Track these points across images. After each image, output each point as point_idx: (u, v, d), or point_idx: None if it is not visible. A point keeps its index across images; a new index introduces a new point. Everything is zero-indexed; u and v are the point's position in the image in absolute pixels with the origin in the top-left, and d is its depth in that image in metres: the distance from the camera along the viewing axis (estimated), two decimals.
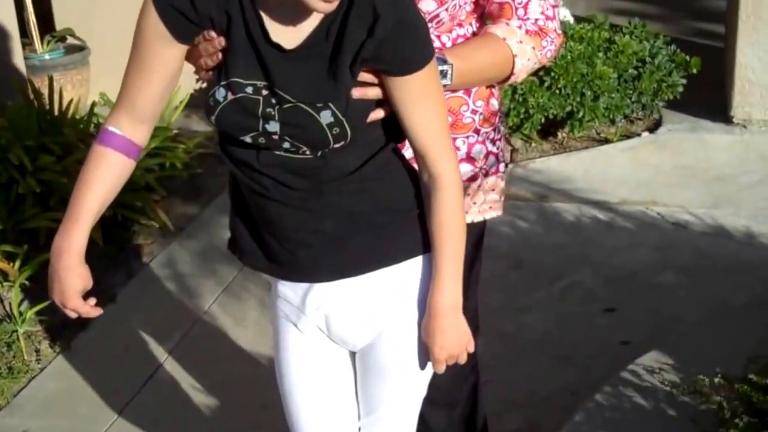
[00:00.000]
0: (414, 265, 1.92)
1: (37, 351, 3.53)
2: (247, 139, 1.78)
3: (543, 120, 4.83)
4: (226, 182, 4.82)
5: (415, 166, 1.89)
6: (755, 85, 4.89)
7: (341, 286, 1.91)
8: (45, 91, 4.45)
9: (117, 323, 3.65)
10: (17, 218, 3.85)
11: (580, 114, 4.80)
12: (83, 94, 5.41)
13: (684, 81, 4.97)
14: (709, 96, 5.22)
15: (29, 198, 3.88)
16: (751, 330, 2.39)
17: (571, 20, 5.34)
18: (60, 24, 5.78)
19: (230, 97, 1.75)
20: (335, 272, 1.90)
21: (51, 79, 4.57)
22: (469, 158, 2.17)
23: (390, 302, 1.93)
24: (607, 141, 5.01)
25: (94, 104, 4.65)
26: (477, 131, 2.17)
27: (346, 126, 1.74)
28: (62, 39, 5.72)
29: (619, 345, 3.36)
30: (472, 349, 1.93)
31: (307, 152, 1.78)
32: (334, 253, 1.88)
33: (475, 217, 2.22)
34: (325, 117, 1.72)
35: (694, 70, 5.01)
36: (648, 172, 4.65)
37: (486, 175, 2.21)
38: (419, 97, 1.77)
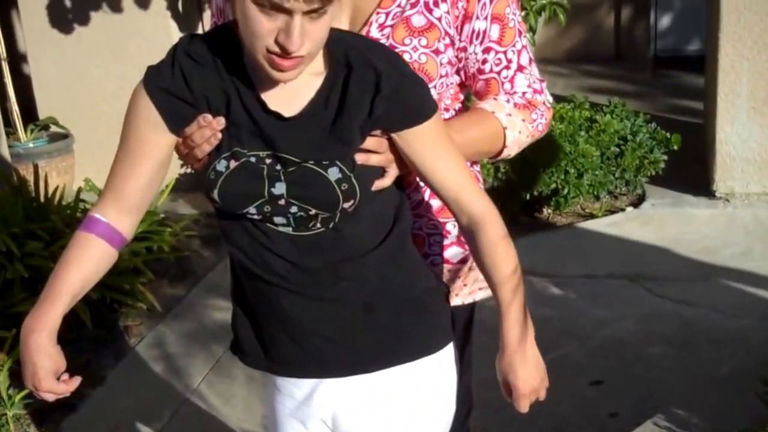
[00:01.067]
0: (427, 363, 1.88)
1: None
2: (252, 210, 1.73)
3: (528, 198, 4.88)
4: (212, 264, 4.86)
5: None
6: (736, 160, 4.97)
7: (352, 382, 1.86)
8: (30, 179, 4.48)
9: (106, 405, 3.64)
10: (5, 303, 3.85)
11: (565, 191, 4.86)
12: (68, 181, 5.46)
13: (665, 157, 5.05)
14: (690, 171, 5.30)
15: (17, 283, 3.88)
16: (739, 399, 2.40)
17: (550, 99, 5.42)
18: (43, 113, 5.86)
19: (233, 164, 1.71)
20: (347, 368, 1.86)
21: (36, 167, 4.61)
22: (460, 242, 2.16)
23: (401, 399, 1.89)
24: (592, 216, 5.06)
25: (80, 190, 4.69)
26: None
27: (355, 183, 1.70)
28: (45, 127, 5.80)
29: (608, 417, 3.36)
30: (546, 384, 1.89)
31: (318, 224, 1.74)
32: (348, 349, 1.84)
33: (465, 299, 2.20)
34: (333, 174, 1.69)
35: (675, 147, 5.09)
36: (633, 246, 4.68)
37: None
38: (436, 145, 1.76)
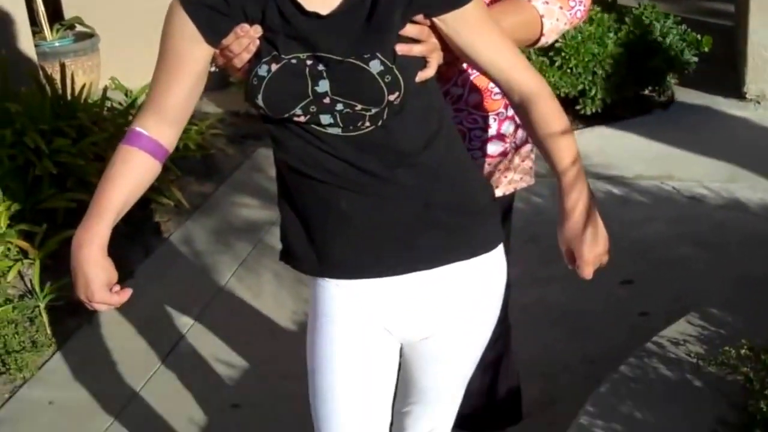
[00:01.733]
0: (483, 260, 1.88)
1: (60, 325, 3.55)
2: (298, 111, 1.72)
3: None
4: (238, 162, 4.86)
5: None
6: None
7: (409, 280, 1.86)
8: (57, 77, 4.45)
9: (136, 298, 3.61)
10: (35, 199, 3.87)
11: (592, 92, 4.80)
12: (94, 80, 5.44)
13: (695, 59, 4.98)
14: (720, 74, 5.25)
15: (46, 179, 3.89)
16: None
17: None
18: (68, 13, 5.83)
19: (275, 67, 1.70)
20: (406, 267, 1.85)
21: (63, 65, 4.58)
22: (500, 135, 2.17)
23: (457, 297, 1.89)
24: (620, 118, 5.01)
25: (106, 88, 4.66)
26: (506, 106, 2.17)
27: (398, 74, 1.68)
28: (71, 27, 5.76)
29: (638, 316, 3.37)
30: (608, 247, 1.89)
31: (366, 123, 1.72)
32: (407, 247, 1.83)
33: (506, 189, 2.22)
34: (375, 66, 1.67)
35: (706, 49, 5.00)
36: (662, 147, 4.64)
37: (517, 148, 2.22)
38: (481, 25, 1.75)
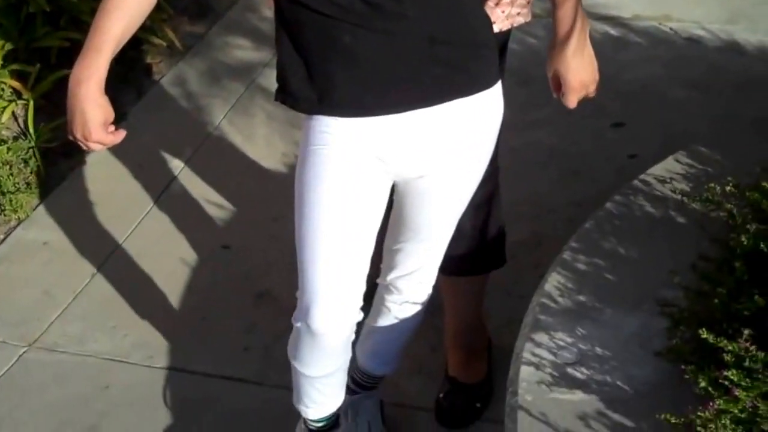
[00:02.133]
0: (482, 97, 1.89)
1: (54, 166, 3.56)
2: None
3: None
4: (231, 2, 4.75)
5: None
6: None
7: (410, 116, 1.86)
8: None
9: (129, 140, 3.62)
10: (28, 37, 3.81)
11: None
12: None
13: None
14: None
15: (39, 17, 3.82)
16: (762, 142, 2.38)
17: None
18: None
19: None
20: (409, 103, 1.85)
21: None
22: None
23: (455, 134, 1.91)
24: None
25: None
26: None
27: None
28: None
29: (627, 158, 3.37)
30: (597, 80, 1.95)
31: None
32: (410, 83, 1.83)
33: (503, 25, 2.17)
34: None
35: None
36: None
37: None
38: None
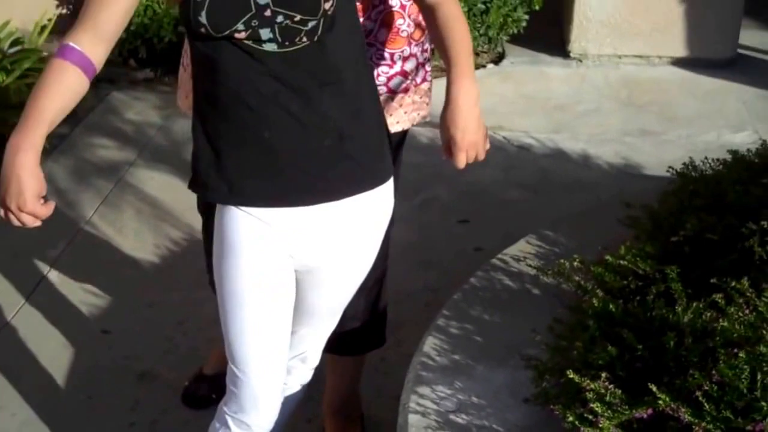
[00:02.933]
0: (379, 192, 2.03)
1: None
2: (240, 26, 1.79)
3: None
4: (92, 105, 4.91)
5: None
6: (592, 22, 5.32)
7: (317, 209, 1.97)
8: None
9: (3, 232, 3.79)
10: None
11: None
12: None
13: (527, 17, 5.36)
14: (548, 33, 5.63)
15: None
16: (601, 228, 2.72)
17: None
18: None
19: None
20: (318, 197, 1.95)
21: None
22: (403, 72, 2.34)
23: (355, 226, 2.03)
24: None
25: None
26: (410, 44, 2.32)
27: None
28: None
29: (473, 251, 3.72)
30: (487, 146, 2.07)
31: (303, 38, 1.81)
32: (320, 178, 1.93)
33: (404, 125, 2.39)
34: None
35: (537, 7, 5.38)
36: (494, 100, 5.00)
37: (416, 85, 2.40)
38: None
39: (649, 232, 2.55)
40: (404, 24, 2.28)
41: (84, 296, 3.47)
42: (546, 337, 2.23)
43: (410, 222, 3.94)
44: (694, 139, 4.52)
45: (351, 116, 1.94)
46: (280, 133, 1.89)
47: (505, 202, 4.06)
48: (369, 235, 2.10)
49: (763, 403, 1.76)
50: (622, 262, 2.38)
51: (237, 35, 1.81)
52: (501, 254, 2.67)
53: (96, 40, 1.84)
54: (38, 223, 1.83)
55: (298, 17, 1.79)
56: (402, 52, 2.31)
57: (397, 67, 2.31)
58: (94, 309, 3.41)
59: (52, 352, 3.20)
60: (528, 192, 4.13)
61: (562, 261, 2.44)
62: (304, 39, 1.82)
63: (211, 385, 2.91)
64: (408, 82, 2.35)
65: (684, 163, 2.75)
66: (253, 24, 1.79)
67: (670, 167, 2.77)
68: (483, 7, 5.25)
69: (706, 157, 2.78)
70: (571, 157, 4.45)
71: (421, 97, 2.43)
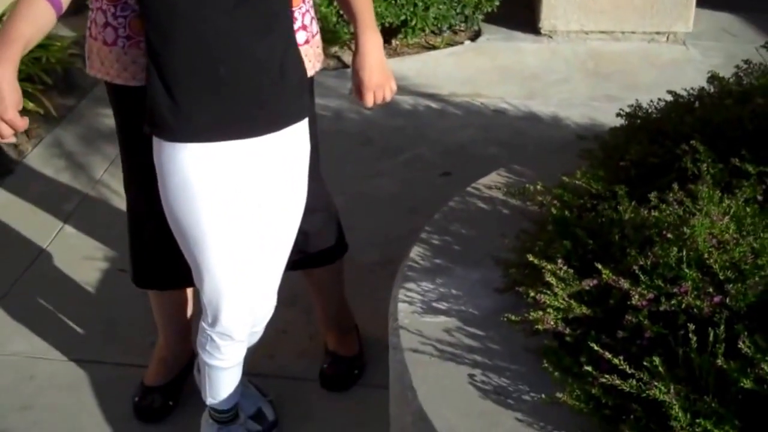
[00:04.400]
0: (305, 123, 2.29)
1: None
2: None
3: (380, 28, 5.49)
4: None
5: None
6: (560, 1, 5.71)
7: (263, 141, 2.20)
8: None
9: (19, 191, 4.17)
10: None
11: (413, 22, 5.50)
12: None
13: None
14: (520, 12, 6.02)
15: None
16: (556, 163, 3.08)
17: None
18: None
19: None
20: (267, 126, 2.19)
21: None
22: (303, 26, 2.53)
23: (292, 154, 2.29)
24: (434, 48, 5.75)
25: None
26: (304, 1, 2.54)
27: None
28: None
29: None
30: (395, 87, 2.35)
31: None
32: (266, 110, 2.16)
33: (309, 72, 2.50)
34: None
35: None
36: (471, 71, 5.39)
37: (313, 36, 2.60)
38: None
39: (600, 159, 2.92)
40: None
41: (99, 243, 3.82)
42: (513, 242, 2.61)
43: (395, 176, 4.32)
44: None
45: (287, 54, 2.18)
46: (234, 69, 2.10)
47: (483, 157, 4.42)
48: (302, 163, 2.36)
49: (687, 271, 2.14)
50: (577, 182, 2.75)
51: None
52: (474, 183, 3.04)
53: None
54: (13, 137, 2.02)
55: None
56: (300, 8, 2.52)
57: (298, 23, 2.51)
58: (109, 252, 3.76)
59: (73, 289, 3.55)
60: (504, 148, 4.50)
61: (527, 185, 2.81)
62: None
63: (163, 394, 3.00)
64: (308, 34, 2.56)
65: (630, 105, 3.12)
66: None
67: (620, 109, 3.14)
68: None
69: (651, 100, 3.15)
70: (543, 119, 4.83)
71: (318, 47, 2.65)
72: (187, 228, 2.26)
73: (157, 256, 2.75)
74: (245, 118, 2.17)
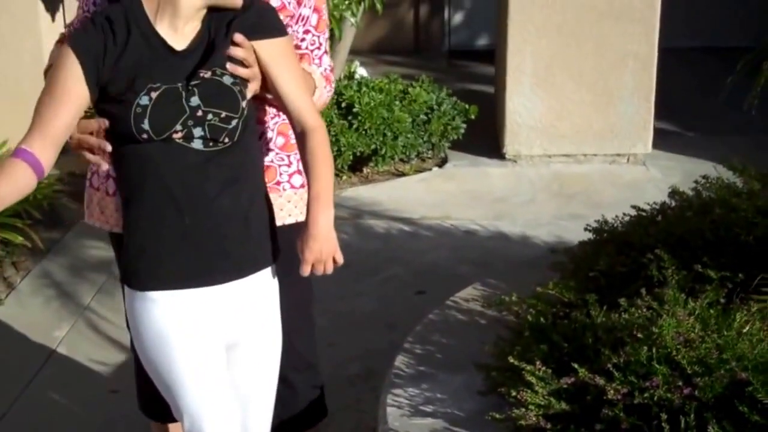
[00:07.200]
0: (272, 268, 2.35)
1: None
2: (178, 127, 2.11)
3: (352, 157, 5.76)
4: (82, 214, 5.47)
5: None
6: (522, 127, 6.01)
7: (231, 287, 2.26)
8: None
9: (8, 321, 4.29)
10: None
11: (383, 151, 5.76)
12: None
13: (464, 125, 6.04)
14: (484, 139, 6.32)
15: None
16: (529, 276, 3.27)
17: (366, 74, 6.40)
18: None
19: (155, 95, 2.11)
20: (232, 273, 2.25)
21: None
22: (299, 170, 2.64)
23: (256, 300, 2.33)
24: (404, 175, 6.00)
25: None
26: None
27: (242, 85, 2.19)
28: None
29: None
30: (340, 260, 2.30)
31: (226, 138, 2.16)
32: (231, 257, 2.24)
33: (300, 217, 2.63)
34: (227, 80, 2.17)
35: (473, 116, 6.08)
36: (440, 196, 5.63)
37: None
38: (289, 61, 2.27)
39: (571, 270, 3.12)
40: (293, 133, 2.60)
41: (90, 364, 3.95)
42: (493, 348, 2.78)
43: (373, 295, 4.50)
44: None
45: (253, 204, 2.28)
46: (198, 219, 2.20)
47: (455, 276, 4.59)
48: (271, 306, 2.40)
49: (657, 367, 2.31)
50: (551, 292, 2.94)
51: (174, 135, 2.14)
52: (452, 297, 3.22)
53: (46, 144, 2.14)
54: None
55: (223, 114, 2.15)
56: (295, 154, 2.62)
57: (294, 167, 2.64)
58: (100, 374, 3.88)
59: (66, 410, 3.65)
60: (475, 267, 4.69)
61: (503, 296, 3.00)
62: (226, 140, 2.18)
63: None
64: (304, 180, 2.63)
65: (597, 221, 3.33)
66: (188, 124, 2.13)
67: (587, 224, 3.35)
68: (425, 117, 5.92)
69: (615, 215, 3.36)
70: (512, 238, 5.05)
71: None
72: (163, 374, 2.30)
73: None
74: (210, 266, 2.25)
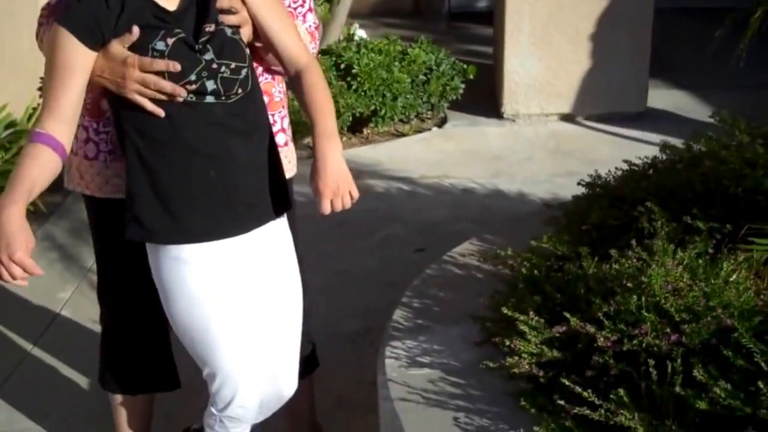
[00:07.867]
0: (286, 217, 2.45)
1: None
2: (193, 77, 2.14)
3: (351, 118, 5.80)
4: None
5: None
6: (520, 86, 6.06)
7: (253, 236, 2.33)
8: None
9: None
10: None
11: (383, 111, 5.80)
12: None
13: (463, 85, 6.07)
14: (483, 99, 6.36)
15: None
16: (524, 231, 3.33)
17: (365, 36, 6.43)
18: None
19: (170, 41, 2.14)
20: (255, 221, 2.32)
21: None
22: (283, 129, 2.71)
23: (279, 245, 2.43)
24: (403, 135, 6.05)
25: None
26: (283, 106, 2.72)
27: (240, 34, 2.24)
28: None
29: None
30: (356, 193, 2.30)
31: (239, 89, 2.21)
32: (253, 205, 2.30)
33: (290, 172, 2.73)
34: (229, 31, 2.23)
35: (471, 76, 6.11)
36: (439, 155, 5.68)
37: (291, 138, 2.79)
38: (277, 10, 2.32)
39: (565, 225, 3.18)
40: (276, 91, 2.68)
41: (94, 325, 3.96)
42: (488, 301, 2.84)
43: (373, 254, 4.56)
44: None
45: (267, 153, 2.35)
46: (223, 171, 2.25)
47: (454, 233, 4.63)
48: (287, 250, 2.49)
49: (646, 315, 2.37)
50: (545, 246, 3.00)
51: (188, 86, 2.16)
52: (449, 252, 3.28)
53: (59, 122, 2.15)
54: (26, 281, 2.05)
55: (233, 65, 2.20)
56: (279, 112, 2.70)
57: (278, 125, 2.69)
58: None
59: (70, 371, 3.73)
60: (473, 224, 4.74)
61: (498, 251, 3.06)
62: (239, 90, 2.23)
63: None
64: (287, 137, 2.75)
65: (590, 175, 3.38)
66: (203, 75, 2.17)
67: (580, 180, 3.40)
68: (424, 78, 5.95)
69: (609, 170, 3.41)
70: (509, 195, 5.11)
71: (295, 147, 2.86)
72: (195, 332, 2.36)
73: (132, 360, 2.87)
74: (238, 216, 2.31)
